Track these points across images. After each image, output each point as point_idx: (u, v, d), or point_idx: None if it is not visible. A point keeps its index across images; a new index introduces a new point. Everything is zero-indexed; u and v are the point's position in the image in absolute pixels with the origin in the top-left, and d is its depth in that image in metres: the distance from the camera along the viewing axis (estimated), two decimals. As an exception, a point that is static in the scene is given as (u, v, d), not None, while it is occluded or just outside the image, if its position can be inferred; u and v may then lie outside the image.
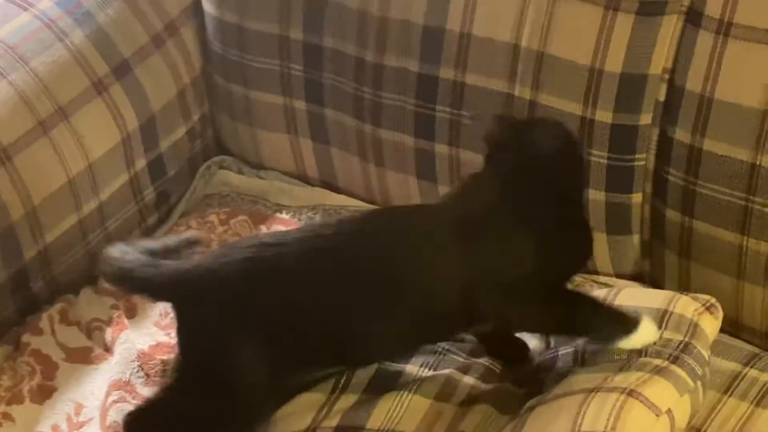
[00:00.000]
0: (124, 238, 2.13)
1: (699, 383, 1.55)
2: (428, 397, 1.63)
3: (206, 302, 1.58)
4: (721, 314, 1.72)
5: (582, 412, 1.40)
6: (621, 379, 1.48)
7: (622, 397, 1.42)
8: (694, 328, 1.65)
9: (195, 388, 1.58)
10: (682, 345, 1.60)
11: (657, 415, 1.42)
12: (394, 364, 1.69)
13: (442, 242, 1.54)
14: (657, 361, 1.55)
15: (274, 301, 1.54)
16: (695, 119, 1.75)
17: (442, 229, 1.56)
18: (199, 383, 1.57)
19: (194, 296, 1.59)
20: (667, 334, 1.62)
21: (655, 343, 1.60)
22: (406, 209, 1.78)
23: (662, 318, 1.65)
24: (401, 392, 1.62)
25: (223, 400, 1.54)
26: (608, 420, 1.38)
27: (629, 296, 1.72)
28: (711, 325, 1.69)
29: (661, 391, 1.46)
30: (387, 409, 1.60)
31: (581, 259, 1.67)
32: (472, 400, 1.64)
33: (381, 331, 1.54)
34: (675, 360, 1.56)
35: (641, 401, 1.42)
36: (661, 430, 1.43)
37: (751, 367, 1.75)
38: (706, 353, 1.62)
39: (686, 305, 1.68)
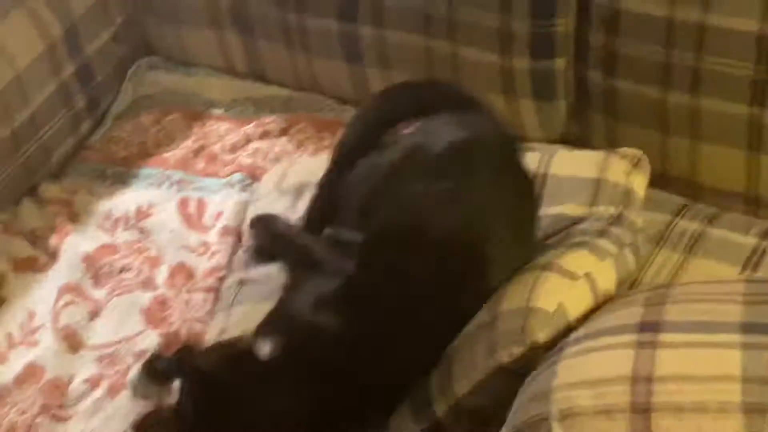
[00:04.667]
0: (59, 147, 2.16)
1: (627, 249, 1.58)
2: None
3: None
4: (648, 167, 1.75)
5: (500, 295, 1.45)
6: (540, 260, 1.50)
7: (537, 272, 1.46)
8: (627, 194, 1.67)
9: None
10: (613, 218, 1.63)
11: (572, 279, 1.45)
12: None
13: None
14: (579, 237, 1.58)
15: None
16: (609, -21, 1.78)
17: None
18: None
19: None
20: (600, 210, 1.65)
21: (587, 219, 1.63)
22: None
23: (596, 189, 1.68)
24: None
25: None
26: (524, 297, 1.42)
27: (562, 163, 1.74)
28: (641, 183, 1.73)
29: (576, 258, 1.49)
30: None
31: None
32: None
33: None
34: (600, 234, 1.58)
35: (555, 271, 1.46)
36: (578, 292, 1.45)
37: (681, 218, 1.81)
38: (638, 219, 1.65)
39: (617, 168, 1.70)
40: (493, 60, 1.94)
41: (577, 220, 1.63)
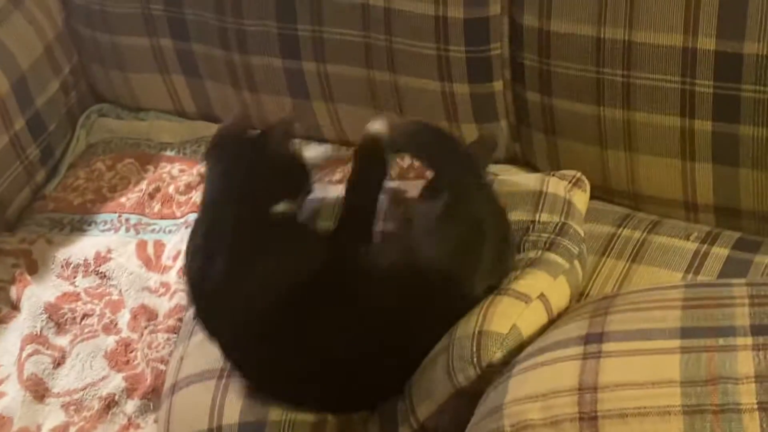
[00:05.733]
0: (14, 198, 2.19)
1: (576, 261, 1.65)
2: None
3: None
4: (588, 186, 1.83)
5: (456, 324, 1.49)
6: None
7: (491, 297, 1.51)
8: (568, 206, 1.75)
9: None
10: (558, 227, 1.70)
11: (526, 302, 1.50)
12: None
13: None
14: (531, 254, 1.63)
15: None
16: (539, 3, 1.83)
17: None
18: None
19: None
20: (545, 217, 1.72)
21: (533, 226, 1.70)
22: None
23: (538, 199, 1.75)
24: None
25: None
26: (477, 321, 1.46)
27: (504, 183, 1.80)
28: (582, 199, 1.81)
29: (530, 280, 1.54)
30: None
31: None
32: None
33: None
34: (550, 246, 1.65)
35: (509, 294, 1.50)
36: (532, 313, 1.49)
37: (624, 227, 1.86)
38: (580, 230, 1.72)
39: (557, 184, 1.78)
40: (434, 87, 1.99)
41: (523, 227, 1.69)
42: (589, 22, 1.79)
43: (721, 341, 1.27)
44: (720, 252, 1.77)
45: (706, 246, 1.79)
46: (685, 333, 1.30)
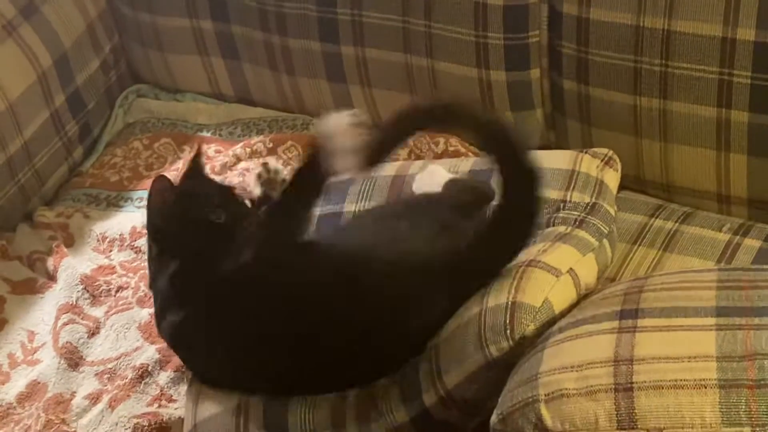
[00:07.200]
0: (53, 174, 2.22)
1: (605, 240, 1.66)
2: None
3: None
4: (619, 166, 1.83)
5: (487, 292, 1.50)
6: (523, 255, 1.56)
7: (522, 268, 1.51)
8: (599, 186, 1.76)
9: None
10: (589, 206, 1.71)
11: (557, 276, 1.51)
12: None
13: None
14: (561, 229, 1.65)
15: None
16: (579, -10, 1.86)
17: None
18: None
19: None
20: (576, 196, 1.74)
21: (564, 205, 1.72)
22: None
23: (570, 178, 1.76)
24: None
25: None
26: (509, 291, 1.48)
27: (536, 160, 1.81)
28: (613, 179, 1.81)
29: (560, 254, 1.56)
30: None
31: None
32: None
33: None
34: (580, 224, 1.66)
35: (540, 267, 1.51)
36: (562, 288, 1.50)
37: (657, 218, 1.87)
38: (612, 210, 1.73)
39: (589, 163, 1.80)
40: (471, 74, 2.01)
41: (554, 206, 1.71)
42: (629, 10, 1.81)
43: (756, 320, 1.28)
44: (752, 244, 1.78)
45: (738, 237, 1.80)
46: (721, 312, 1.32)
